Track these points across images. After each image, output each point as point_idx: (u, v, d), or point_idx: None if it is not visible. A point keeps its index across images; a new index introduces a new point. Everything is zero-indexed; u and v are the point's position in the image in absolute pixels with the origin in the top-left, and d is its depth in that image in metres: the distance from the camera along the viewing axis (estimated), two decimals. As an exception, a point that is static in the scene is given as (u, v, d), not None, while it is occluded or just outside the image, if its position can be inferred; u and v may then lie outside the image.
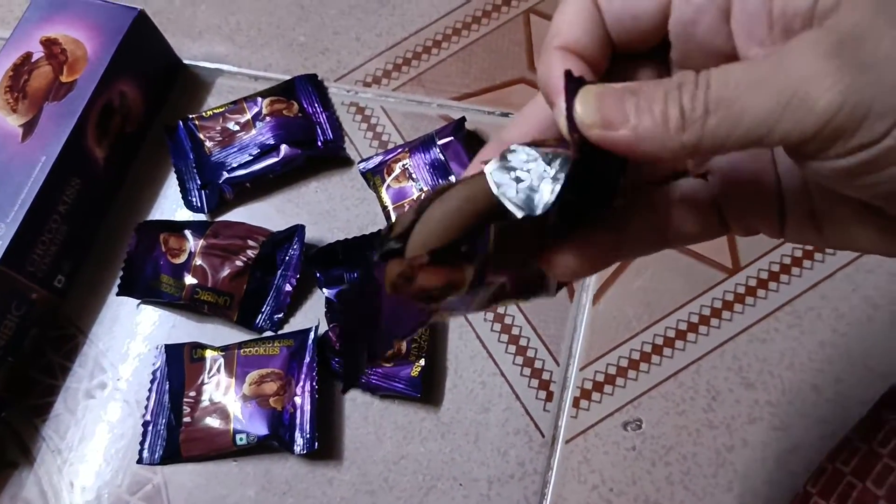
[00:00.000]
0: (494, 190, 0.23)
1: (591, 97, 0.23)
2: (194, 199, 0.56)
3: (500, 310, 0.51)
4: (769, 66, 0.21)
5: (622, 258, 0.28)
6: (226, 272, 0.51)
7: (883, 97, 0.19)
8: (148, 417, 0.50)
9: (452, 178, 0.52)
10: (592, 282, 0.52)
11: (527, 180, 0.23)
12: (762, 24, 0.23)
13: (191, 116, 0.57)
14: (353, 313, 0.29)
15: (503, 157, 0.24)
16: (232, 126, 0.56)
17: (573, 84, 0.24)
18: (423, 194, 0.52)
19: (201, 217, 0.56)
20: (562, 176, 0.23)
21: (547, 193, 0.23)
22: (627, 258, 0.28)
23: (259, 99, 0.57)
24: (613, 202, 0.27)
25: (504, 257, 0.26)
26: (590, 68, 0.26)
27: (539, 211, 0.23)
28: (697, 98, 0.22)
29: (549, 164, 0.23)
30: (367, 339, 0.28)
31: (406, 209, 0.53)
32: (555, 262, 0.26)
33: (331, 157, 0.57)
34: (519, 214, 0.23)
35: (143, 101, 0.58)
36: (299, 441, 0.47)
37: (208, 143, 0.56)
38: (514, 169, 0.24)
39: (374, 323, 0.27)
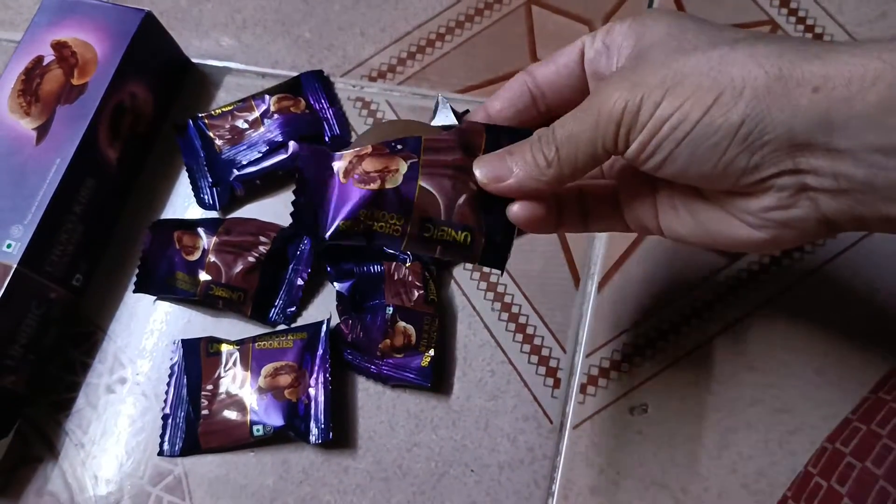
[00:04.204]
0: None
1: (482, 163, 0.34)
2: (206, 197, 0.57)
3: (507, 299, 0.53)
4: (584, 104, 0.32)
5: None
6: (239, 268, 0.52)
7: (646, 99, 0.29)
8: (167, 411, 0.51)
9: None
10: (597, 270, 0.53)
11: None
12: None
13: (200, 115, 0.58)
14: (309, 180, 0.35)
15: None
16: (241, 124, 0.57)
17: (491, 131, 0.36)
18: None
19: (213, 214, 0.57)
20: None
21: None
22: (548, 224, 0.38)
23: (266, 96, 0.58)
24: None
25: (434, 166, 0.34)
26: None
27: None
28: (549, 142, 0.32)
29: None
30: (316, 217, 0.35)
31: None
32: (478, 165, 0.35)
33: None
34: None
35: (153, 101, 0.59)
36: (314, 431, 0.49)
37: (218, 142, 0.57)
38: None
39: (325, 201, 0.35)
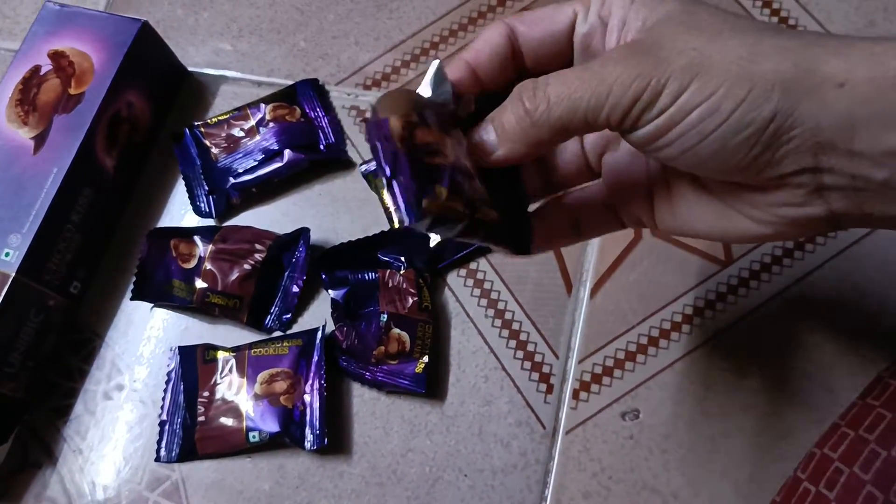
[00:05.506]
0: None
1: (473, 137, 0.31)
2: (202, 205, 0.58)
3: (501, 305, 0.53)
4: (596, 65, 0.29)
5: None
6: (235, 275, 0.53)
7: (672, 78, 0.27)
8: (164, 417, 0.52)
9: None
10: (589, 276, 0.53)
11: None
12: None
13: (196, 124, 0.59)
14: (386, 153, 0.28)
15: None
16: (237, 132, 0.58)
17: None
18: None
19: (209, 222, 0.58)
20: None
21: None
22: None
23: (262, 105, 0.58)
24: None
25: (459, 141, 0.31)
26: (483, 81, 0.33)
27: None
28: (538, 97, 0.29)
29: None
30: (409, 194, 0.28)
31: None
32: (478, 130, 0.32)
33: (333, 161, 0.58)
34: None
35: (149, 110, 0.59)
36: (310, 437, 0.49)
37: (214, 150, 0.58)
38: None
39: (402, 175, 0.28)
